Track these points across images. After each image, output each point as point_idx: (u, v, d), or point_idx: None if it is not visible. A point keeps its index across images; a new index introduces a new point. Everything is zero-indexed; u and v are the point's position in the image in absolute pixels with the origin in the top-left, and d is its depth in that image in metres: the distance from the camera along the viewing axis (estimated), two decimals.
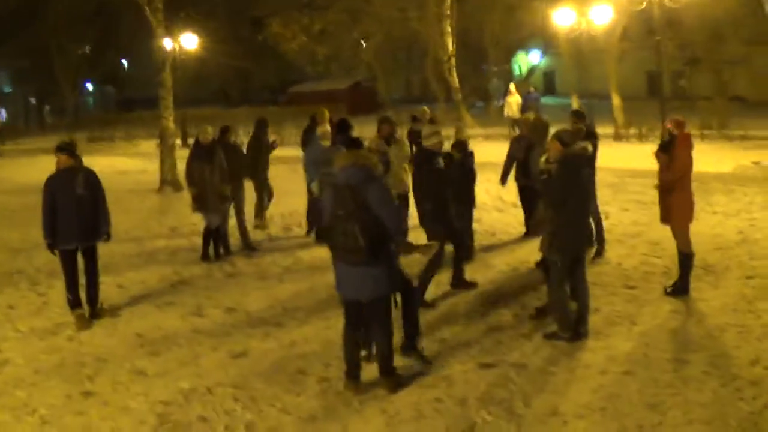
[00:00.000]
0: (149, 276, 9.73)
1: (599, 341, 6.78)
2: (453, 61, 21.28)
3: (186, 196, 16.38)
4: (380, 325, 5.99)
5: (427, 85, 35.19)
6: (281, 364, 6.59)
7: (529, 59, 44.13)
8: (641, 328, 7.06)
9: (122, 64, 57.92)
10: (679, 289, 7.84)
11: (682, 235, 7.81)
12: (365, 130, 14.14)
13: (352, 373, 6.06)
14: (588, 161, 7.35)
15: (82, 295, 7.95)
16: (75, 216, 7.55)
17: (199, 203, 10.02)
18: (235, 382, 6.25)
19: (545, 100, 31.67)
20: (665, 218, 7.81)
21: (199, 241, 11.52)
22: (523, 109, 22.40)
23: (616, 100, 25.65)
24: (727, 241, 9.92)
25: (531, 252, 7.67)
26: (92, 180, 7.73)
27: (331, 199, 5.79)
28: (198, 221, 12.99)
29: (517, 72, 43.63)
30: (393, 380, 6.03)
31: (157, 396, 6.05)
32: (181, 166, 18.98)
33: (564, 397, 5.78)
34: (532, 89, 23.71)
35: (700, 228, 10.48)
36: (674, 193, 7.63)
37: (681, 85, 36.61)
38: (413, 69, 42.83)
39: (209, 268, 10.00)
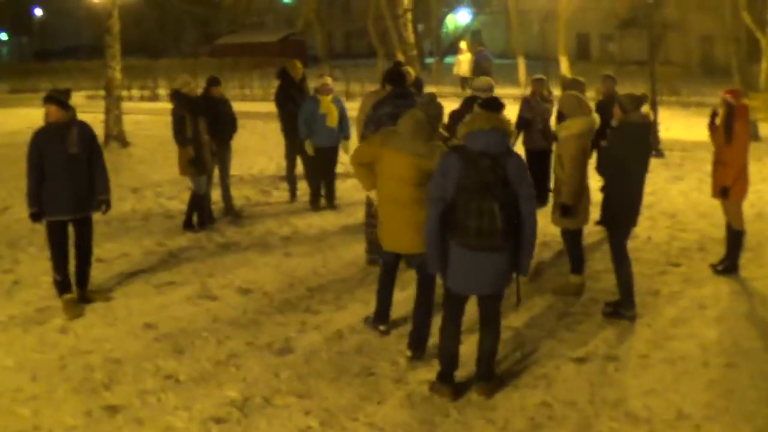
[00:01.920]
0: (130, 247, 8.20)
1: (679, 328, 5.93)
2: (410, 15, 19.96)
3: (136, 152, 14.91)
4: (495, 323, 4.86)
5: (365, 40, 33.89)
6: (340, 363, 5.35)
7: (457, 19, 43.10)
8: (714, 313, 6.22)
9: (34, 13, 53.89)
10: (729, 267, 7.09)
11: (735, 212, 7.04)
12: None
13: (449, 376, 4.91)
14: (649, 129, 6.41)
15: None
16: (68, 180, 6.03)
17: (197, 165, 8.50)
18: (295, 389, 4.97)
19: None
20: (720, 194, 6.96)
21: (169, 204, 10.18)
22: (475, 67, 21.39)
23: (564, 63, 25.08)
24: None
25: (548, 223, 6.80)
26: (88, 136, 6.19)
27: (458, 169, 4.49)
28: (163, 182, 11.56)
29: (445, 31, 42.43)
30: (493, 384, 4.93)
31: (203, 410, 4.71)
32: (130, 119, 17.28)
33: (680, 394, 4.88)
34: (482, 48, 22.65)
35: (709, 200, 9.79)
36: (731, 168, 6.78)
37: (610, 50, 36.38)
38: (352, 23, 41.03)
39: (196, 238, 8.54)
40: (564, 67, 25.14)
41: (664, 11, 27.61)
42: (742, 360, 5.38)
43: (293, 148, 9.97)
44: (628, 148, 5.84)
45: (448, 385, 4.89)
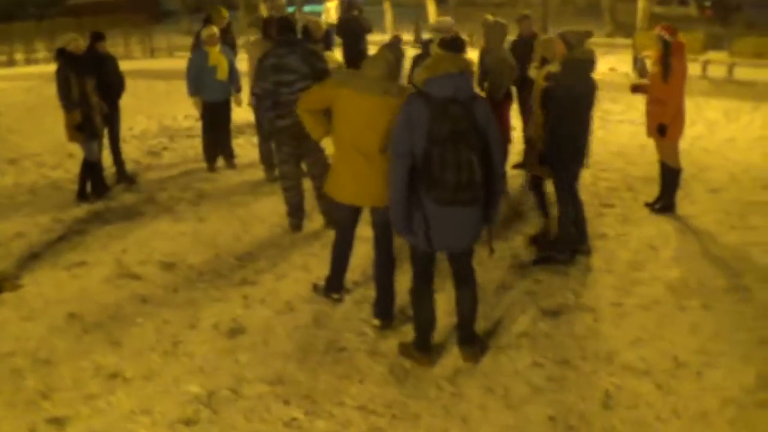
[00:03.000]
0: (24, 226, 7.17)
1: (640, 271, 5.85)
2: None
3: (4, 121, 13.12)
4: (472, 280, 4.51)
5: None
6: (302, 340, 4.86)
7: None
8: (668, 253, 6.18)
9: None
10: (666, 206, 7.09)
11: (672, 151, 6.95)
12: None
13: (427, 342, 4.55)
14: (594, 65, 6.17)
15: None
16: None
17: (88, 130, 7.54)
18: (262, 375, 4.43)
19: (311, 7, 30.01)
20: (657, 132, 6.87)
21: (54, 174, 9.16)
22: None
23: (431, 8, 24.83)
24: (654, 153, 9.37)
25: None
26: None
27: (426, 118, 3.96)
28: (42, 151, 10.36)
29: None
30: (478, 347, 4.63)
31: (165, 412, 4.10)
32: None
33: (668, 341, 4.78)
34: None
35: (618, 139, 9.92)
36: (669, 106, 6.65)
37: None
38: None
39: (95, 210, 7.61)
40: (431, 12, 24.94)
41: None
42: (714, 301, 5.33)
43: None
44: (575, 85, 5.57)
45: (427, 352, 4.54)
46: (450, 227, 4.14)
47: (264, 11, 19.66)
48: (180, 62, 19.57)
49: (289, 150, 6.54)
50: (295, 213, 6.80)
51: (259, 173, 8.70)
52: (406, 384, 4.34)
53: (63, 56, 7.45)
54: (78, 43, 7.55)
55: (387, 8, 26.39)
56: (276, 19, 6.65)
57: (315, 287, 5.55)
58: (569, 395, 4.22)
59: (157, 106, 10.00)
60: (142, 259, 6.29)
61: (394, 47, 4.77)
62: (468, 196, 3.99)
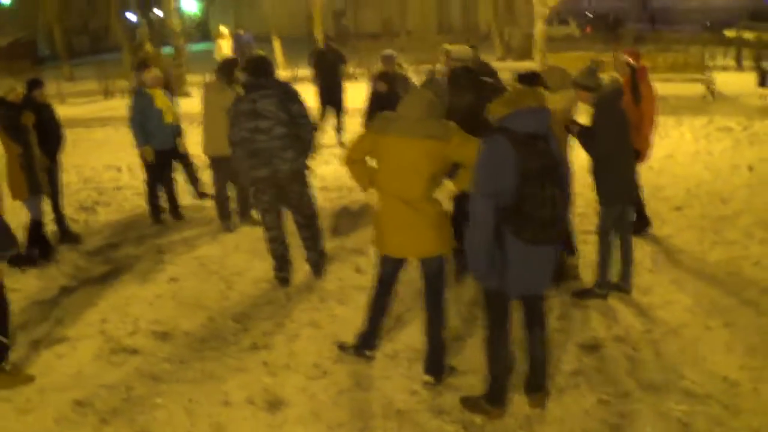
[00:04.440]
0: None
1: (649, 296, 5.83)
2: (173, 4, 18.15)
3: None
4: (544, 322, 4.31)
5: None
6: (353, 406, 4.45)
7: (183, 7, 40.61)
8: (667, 276, 6.20)
9: None
10: (641, 227, 7.12)
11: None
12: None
13: (502, 396, 4.27)
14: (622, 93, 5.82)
15: None
16: None
17: (32, 186, 6.79)
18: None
19: (200, 46, 29.36)
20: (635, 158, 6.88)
21: None
22: (236, 51, 20.21)
23: (276, 43, 24.78)
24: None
25: None
26: None
27: (514, 155, 3.71)
28: None
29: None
30: (545, 392, 4.43)
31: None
32: None
33: (711, 362, 4.81)
34: (242, 31, 21.34)
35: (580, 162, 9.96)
36: (641, 131, 6.56)
37: (344, 23, 36.55)
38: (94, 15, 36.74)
39: (48, 275, 6.82)
40: (277, 48, 25.00)
41: None
42: (734, 318, 5.38)
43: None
44: (612, 122, 5.37)
45: (501, 404, 4.27)
46: (532, 268, 3.94)
47: (150, 49, 18.86)
48: (75, 109, 18.60)
49: (269, 199, 6.13)
50: (283, 266, 6.36)
51: (209, 223, 8.19)
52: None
53: (2, 106, 6.70)
54: (17, 91, 6.82)
55: (276, 45, 25.91)
56: (251, 59, 6.16)
57: (341, 347, 5.15)
58: (648, 428, 4.12)
59: (70, 157, 9.22)
60: (129, 330, 5.66)
61: (431, 83, 4.50)
62: (555, 233, 3.85)
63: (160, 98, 7.99)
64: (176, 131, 8.21)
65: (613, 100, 5.41)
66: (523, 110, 3.80)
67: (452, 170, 4.50)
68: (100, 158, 11.91)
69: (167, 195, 8.47)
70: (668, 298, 5.81)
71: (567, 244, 6.11)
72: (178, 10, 18.93)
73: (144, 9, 27.30)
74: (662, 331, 5.28)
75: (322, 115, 11.84)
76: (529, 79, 4.11)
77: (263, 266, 6.78)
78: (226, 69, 7.61)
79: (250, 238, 7.66)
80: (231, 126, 5.88)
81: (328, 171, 10.31)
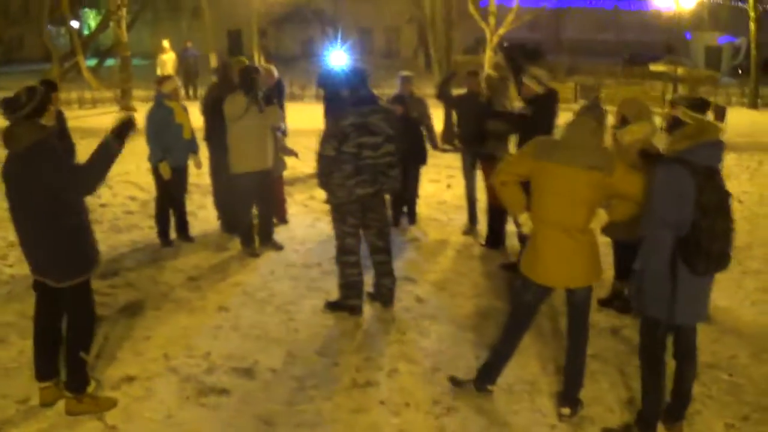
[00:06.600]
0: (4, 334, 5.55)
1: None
2: (124, 12, 17.12)
3: None
4: (696, 356, 4.26)
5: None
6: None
7: (100, 17, 38.80)
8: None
9: None
10: None
11: None
12: None
13: (656, 424, 4.22)
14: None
15: None
16: None
17: None
18: None
19: (112, 61, 28.00)
20: None
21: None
22: (182, 67, 19.42)
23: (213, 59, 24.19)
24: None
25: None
26: None
27: (693, 186, 3.69)
28: None
29: (86, 31, 37.64)
30: (683, 421, 4.36)
31: None
32: None
33: None
34: (189, 44, 20.40)
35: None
36: None
37: (264, 44, 35.82)
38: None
39: None
40: (214, 64, 24.34)
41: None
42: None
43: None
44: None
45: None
46: (697, 298, 3.96)
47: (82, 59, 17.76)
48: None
49: (355, 221, 5.74)
50: (357, 294, 5.93)
51: (225, 244, 7.66)
52: None
53: None
54: None
55: (212, 58, 25.11)
56: (355, 70, 5.74)
57: (455, 382, 4.81)
58: None
59: None
60: (204, 367, 5.06)
61: (594, 110, 4.28)
62: (724, 265, 3.86)
63: (179, 112, 7.40)
64: (192, 147, 7.61)
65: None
66: (705, 143, 3.78)
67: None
68: None
69: (177, 215, 7.83)
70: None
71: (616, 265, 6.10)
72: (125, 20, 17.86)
73: (64, 20, 25.59)
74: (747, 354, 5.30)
75: None
76: (701, 106, 4.04)
77: (314, 294, 6.34)
78: (246, 81, 7.05)
79: (281, 263, 7.17)
80: (326, 140, 5.45)
81: None
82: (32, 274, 4.36)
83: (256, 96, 6.90)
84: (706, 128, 3.83)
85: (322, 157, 5.50)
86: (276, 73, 8.47)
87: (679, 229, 3.73)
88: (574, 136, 4.18)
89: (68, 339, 4.40)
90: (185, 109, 7.56)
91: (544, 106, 6.30)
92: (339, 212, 5.73)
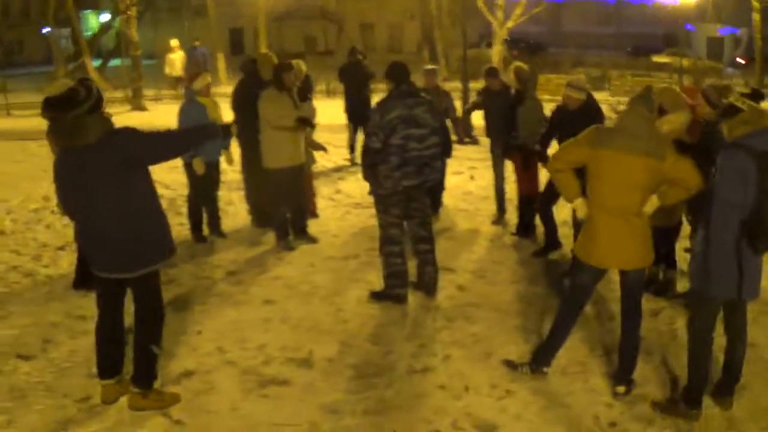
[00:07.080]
0: (40, 331, 5.53)
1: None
2: (134, 11, 17.16)
3: None
4: (746, 332, 4.41)
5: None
6: (566, 423, 4.22)
7: (99, 19, 38.91)
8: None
9: None
10: None
11: None
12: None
13: (701, 397, 4.30)
14: None
15: None
16: None
17: None
18: None
19: (116, 61, 28.10)
20: None
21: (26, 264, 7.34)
22: (189, 64, 19.40)
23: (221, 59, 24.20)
24: None
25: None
26: None
27: (754, 171, 3.81)
28: None
29: (88, 33, 37.69)
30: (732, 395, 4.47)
31: None
32: None
33: None
34: (197, 43, 20.37)
35: None
36: None
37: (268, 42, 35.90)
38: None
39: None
40: (221, 62, 24.47)
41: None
42: None
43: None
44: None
45: (699, 405, 4.28)
46: (755, 275, 4.07)
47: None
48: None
49: (399, 212, 5.80)
50: (402, 283, 5.99)
51: (259, 239, 7.71)
52: None
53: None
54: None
55: (220, 57, 25.13)
56: (395, 64, 5.81)
57: (511, 365, 4.88)
58: None
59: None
60: (261, 359, 5.10)
61: (646, 99, 4.35)
62: None
63: (212, 108, 7.45)
64: (225, 143, 7.65)
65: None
66: (763, 129, 3.91)
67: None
68: None
69: (210, 211, 7.89)
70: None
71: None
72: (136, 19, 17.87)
73: (68, 22, 25.64)
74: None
75: (353, 130, 11.40)
76: (755, 96, 4.11)
77: (357, 285, 6.40)
78: (278, 76, 7.11)
79: (318, 256, 7.23)
80: (374, 133, 5.51)
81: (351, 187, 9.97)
82: (97, 272, 4.28)
83: (291, 92, 6.96)
84: (764, 114, 3.93)
85: (368, 149, 5.57)
86: (304, 68, 8.52)
87: (744, 210, 3.85)
88: (630, 124, 4.28)
89: (138, 333, 4.38)
90: (217, 105, 7.61)
91: (592, 107, 6.49)
92: (383, 203, 5.79)
